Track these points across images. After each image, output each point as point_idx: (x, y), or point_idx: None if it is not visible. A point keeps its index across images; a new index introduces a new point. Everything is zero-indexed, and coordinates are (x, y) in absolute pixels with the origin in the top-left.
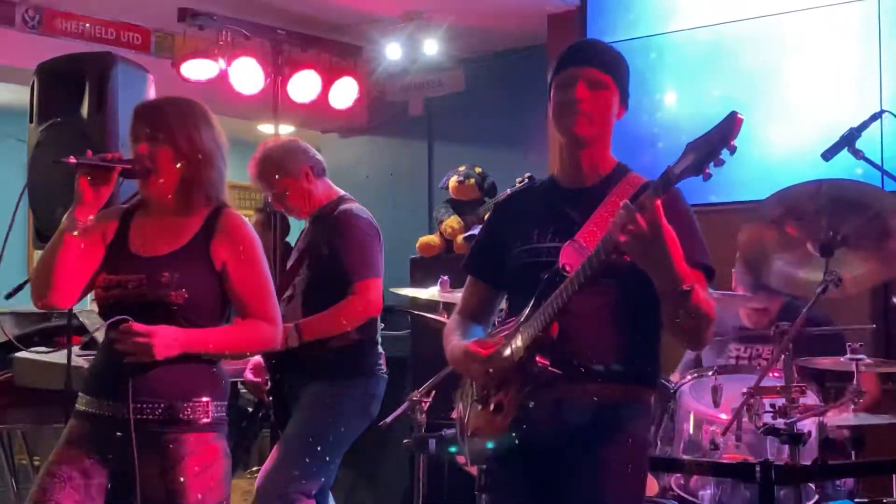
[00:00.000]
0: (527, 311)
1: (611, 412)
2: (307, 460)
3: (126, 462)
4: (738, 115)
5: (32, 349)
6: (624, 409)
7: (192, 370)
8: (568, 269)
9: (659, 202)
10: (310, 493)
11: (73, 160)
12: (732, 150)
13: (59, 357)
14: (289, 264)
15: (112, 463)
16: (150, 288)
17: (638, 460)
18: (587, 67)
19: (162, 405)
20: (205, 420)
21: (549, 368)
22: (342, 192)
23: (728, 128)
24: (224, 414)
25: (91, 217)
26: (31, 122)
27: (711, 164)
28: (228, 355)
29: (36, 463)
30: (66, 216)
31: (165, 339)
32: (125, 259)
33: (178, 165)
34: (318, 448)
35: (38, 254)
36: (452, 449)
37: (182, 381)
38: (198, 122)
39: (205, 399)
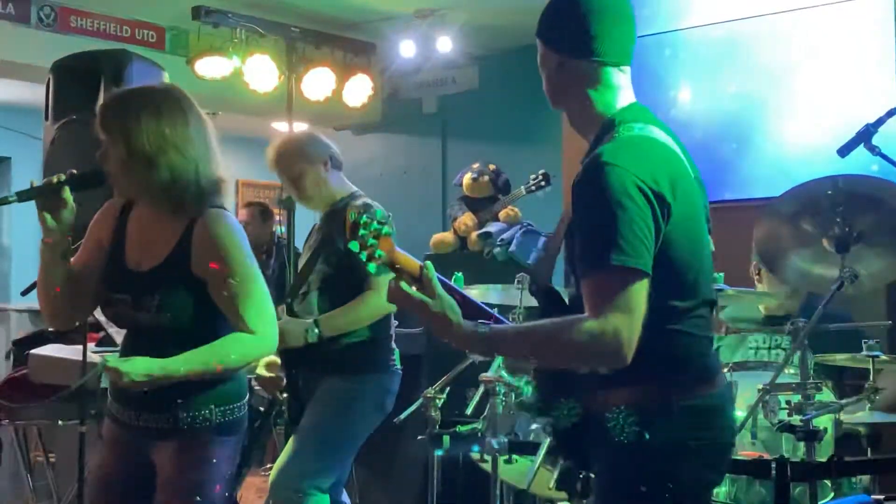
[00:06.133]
0: None
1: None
2: (321, 455)
3: (145, 465)
4: None
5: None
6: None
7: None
8: None
9: None
10: (323, 487)
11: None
12: None
13: (74, 353)
14: (301, 262)
15: (136, 465)
16: (135, 310)
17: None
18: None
19: (166, 416)
20: (208, 426)
21: None
22: (354, 189)
23: None
24: (231, 418)
25: (64, 241)
26: (46, 119)
27: None
28: (216, 374)
29: (51, 459)
30: (40, 247)
31: (138, 374)
32: (118, 272)
33: (124, 170)
34: (332, 443)
35: None
36: (438, 452)
37: (184, 388)
38: (135, 118)
39: (208, 406)
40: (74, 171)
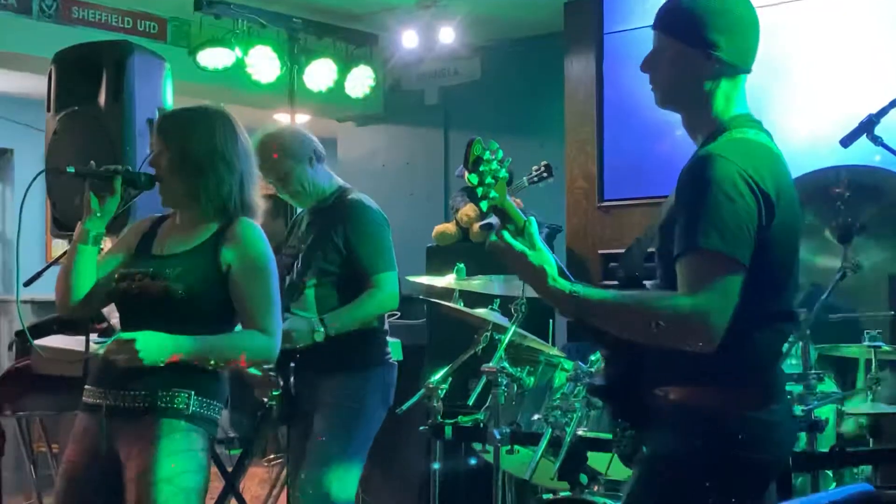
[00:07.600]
0: None
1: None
2: (346, 463)
3: (111, 449)
4: None
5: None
6: None
7: (179, 365)
8: None
9: None
10: (352, 495)
11: (72, 170)
12: None
13: (77, 344)
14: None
15: (103, 457)
16: (152, 279)
17: None
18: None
19: (144, 393)
20: (184, 410)
21: None
22: (341, 182)
23: None
24: (207, 413)
25: (100, 227)
26: (48, 110)
27: None
28: (220, 364)
29: (54, 450)
30: (77, 227)
31: (150, 346)
32: (142, 257)
33: (175, 174)
34: (354, 448)
35: (56, 242)
36: (439, 445)
37: (166, 372)
38: (191, 130)
39: (187, 391)
40: (129, 168)
